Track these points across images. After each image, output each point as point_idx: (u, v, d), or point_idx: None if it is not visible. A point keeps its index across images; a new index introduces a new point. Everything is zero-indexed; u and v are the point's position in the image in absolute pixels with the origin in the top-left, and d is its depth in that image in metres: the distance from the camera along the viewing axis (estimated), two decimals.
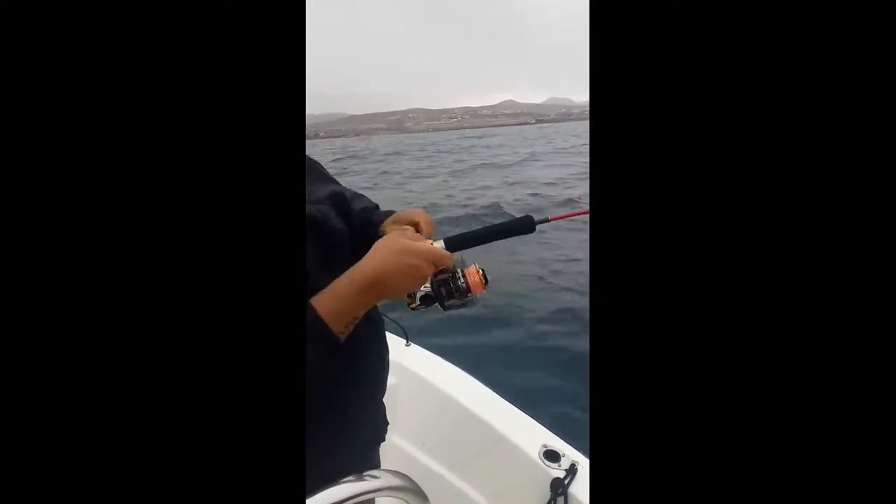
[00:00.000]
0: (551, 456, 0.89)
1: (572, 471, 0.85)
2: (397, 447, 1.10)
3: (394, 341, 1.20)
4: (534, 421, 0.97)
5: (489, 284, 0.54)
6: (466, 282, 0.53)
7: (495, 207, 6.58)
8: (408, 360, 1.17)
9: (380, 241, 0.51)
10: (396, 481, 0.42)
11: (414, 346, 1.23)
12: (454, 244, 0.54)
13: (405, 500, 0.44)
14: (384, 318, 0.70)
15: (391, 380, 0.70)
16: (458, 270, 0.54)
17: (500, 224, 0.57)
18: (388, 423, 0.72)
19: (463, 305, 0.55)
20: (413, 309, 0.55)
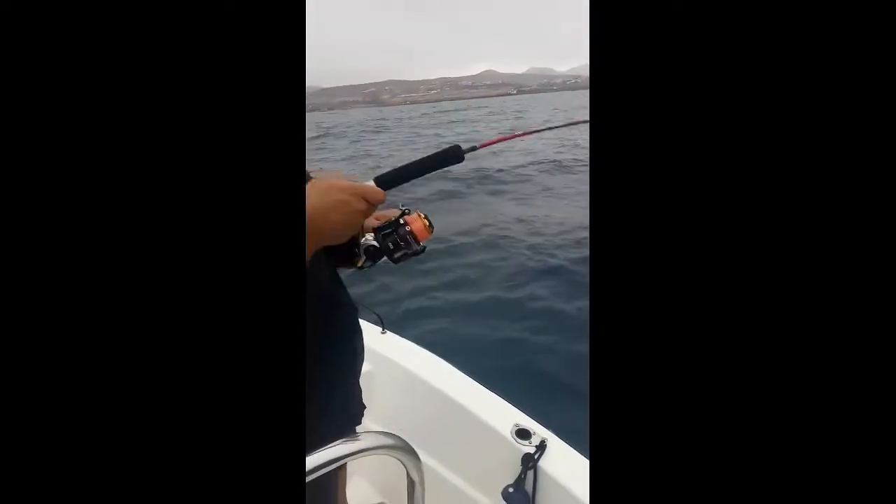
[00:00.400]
0: (523, 434, 0.93)
1: (542, 447, 0.90)
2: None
3: (369, 330, 1.21)
4: (506, 402, 1.01)
5: (433, 230, 0.52)
6: (410, 229, 0.51)
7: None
8: (383, 347, 1.18)
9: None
10: (387, 440, 0.43)
11: (389, 334, 1.24)
12: (385, 181, 0.51)
13: (396, 458, 0.45)
14: (358, 305, 0.70)
15: (366, 367, 0.71)
16: (401, 219, 0.52)
17: (429, 156, 0.54)
18: (364, 407, 0.73)
19: (413, 254, 0.53)
20: (360, 268, 0.53)
